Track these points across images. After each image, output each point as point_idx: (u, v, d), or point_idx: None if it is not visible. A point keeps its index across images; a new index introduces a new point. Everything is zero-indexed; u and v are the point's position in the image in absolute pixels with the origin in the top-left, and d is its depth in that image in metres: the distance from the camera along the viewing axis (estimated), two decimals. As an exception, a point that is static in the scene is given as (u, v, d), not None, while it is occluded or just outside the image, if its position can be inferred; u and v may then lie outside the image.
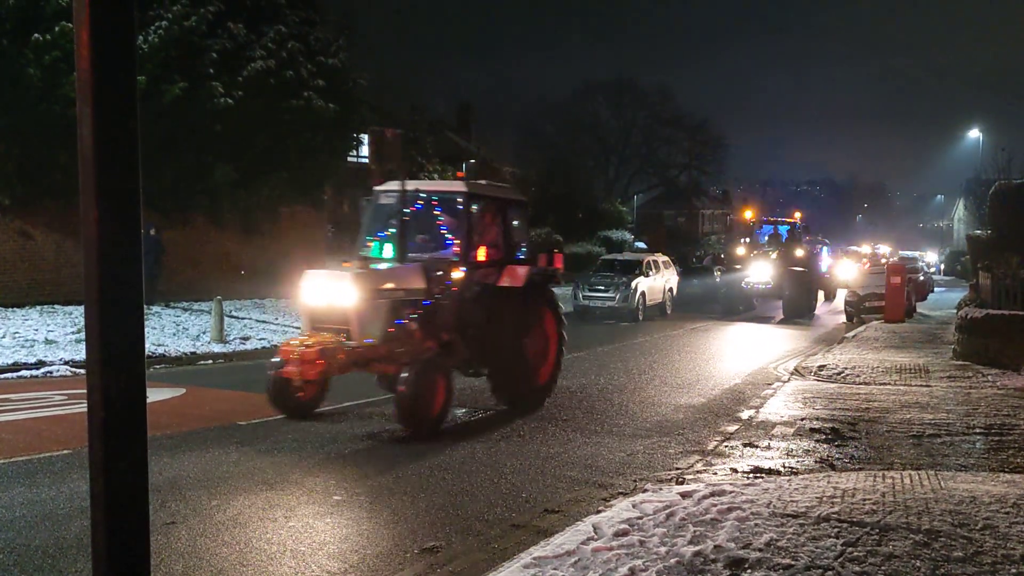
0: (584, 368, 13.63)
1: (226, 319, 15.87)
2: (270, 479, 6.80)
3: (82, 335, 13.87)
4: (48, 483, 6.49)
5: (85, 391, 1.77)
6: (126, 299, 1.76)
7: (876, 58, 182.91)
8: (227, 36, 21.17)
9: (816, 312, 25.89)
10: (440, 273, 9.32)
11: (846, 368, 13.38)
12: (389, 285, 8.92)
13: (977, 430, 8.80)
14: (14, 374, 11.57)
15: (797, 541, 4.71)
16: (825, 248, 35.19)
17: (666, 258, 26.90)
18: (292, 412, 8.99)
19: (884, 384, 12.07)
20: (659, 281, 24.67)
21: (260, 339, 15.58)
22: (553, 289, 10.90)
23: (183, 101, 19.34)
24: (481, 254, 9.90)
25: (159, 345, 14.03)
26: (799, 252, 27.36)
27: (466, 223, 9.68)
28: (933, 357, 14.80)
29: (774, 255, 26.57)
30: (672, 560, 4.49)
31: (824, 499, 5.61)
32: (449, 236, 9.77)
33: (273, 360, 8.73)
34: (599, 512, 5.78)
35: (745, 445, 8.29)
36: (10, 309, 16.71)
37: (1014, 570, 4.25)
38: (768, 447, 8.19)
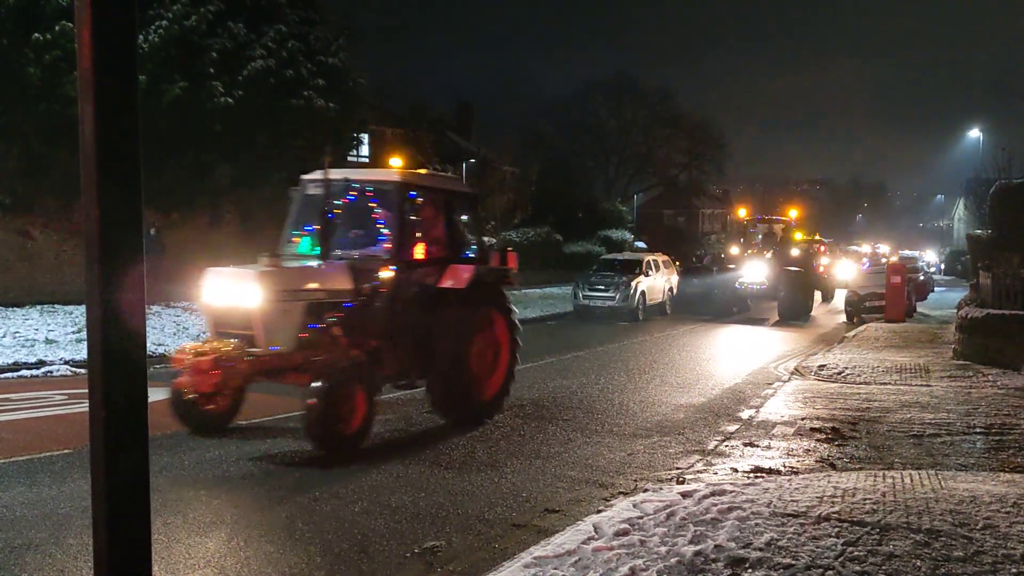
0: (584, 368, 13.64)
1: (226, 319, 15.84)
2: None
3: (82, 334, 13.88)
4: (49, 482, 6.49)
5: (86, 390, 1.77)
6: (127, 298, 1.76)
7: (876, 58, 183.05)
8: (227, 35, 21.18)
9: (812, 314, 25.34)
10: (369, 272, 8.40)
11: (846, 368, 13.38)
12: (307, 285, 7.96)
13: (977, 430, 8.80)
14: (14, 373, 11.57)
15: (797, 541, 4.71)
16: (822, 247, 34.19)
17: (666, 258, 26.84)
18: (197, 427, 8.02)
19: (884, 384, 12.07)
20: (659, 281, 24.64)
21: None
22: (505, 291, 9.88)
23: (183, 100, 19.34)
24: (419, 252, 8.96)
25: (159, 345, 14.03)
26: (795, 251, 26.70)
27: (399, 217, 8.67)
28: (933, 357, 14.79)
29: (769, 255, 25.93)
30: (673, 560, 4.49)
31: (824, 499, 5.61)
32: (384, 231, 8.82)
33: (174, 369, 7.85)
34: (599, 512, 5.78)
35: (745, 445, 8.29)
36: (10, 309, 16.70)
37: (1014, 570, 4.25)
38: (768, 447, 8.19)
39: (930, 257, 75.30)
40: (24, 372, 11.67)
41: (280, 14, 23.10)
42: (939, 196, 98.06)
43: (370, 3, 75.83)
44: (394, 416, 9.33)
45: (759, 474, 7.11)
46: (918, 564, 4.33)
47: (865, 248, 70.76)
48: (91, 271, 1.75)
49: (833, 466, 7.39)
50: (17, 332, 14.22)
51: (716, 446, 8.29)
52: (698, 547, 4.63)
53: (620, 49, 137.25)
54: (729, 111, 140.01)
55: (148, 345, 11.01)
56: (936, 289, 37.80)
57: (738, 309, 25.34)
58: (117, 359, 1.75)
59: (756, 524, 5.02)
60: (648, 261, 24.66)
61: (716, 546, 4.61)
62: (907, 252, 64.27)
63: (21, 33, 17.01)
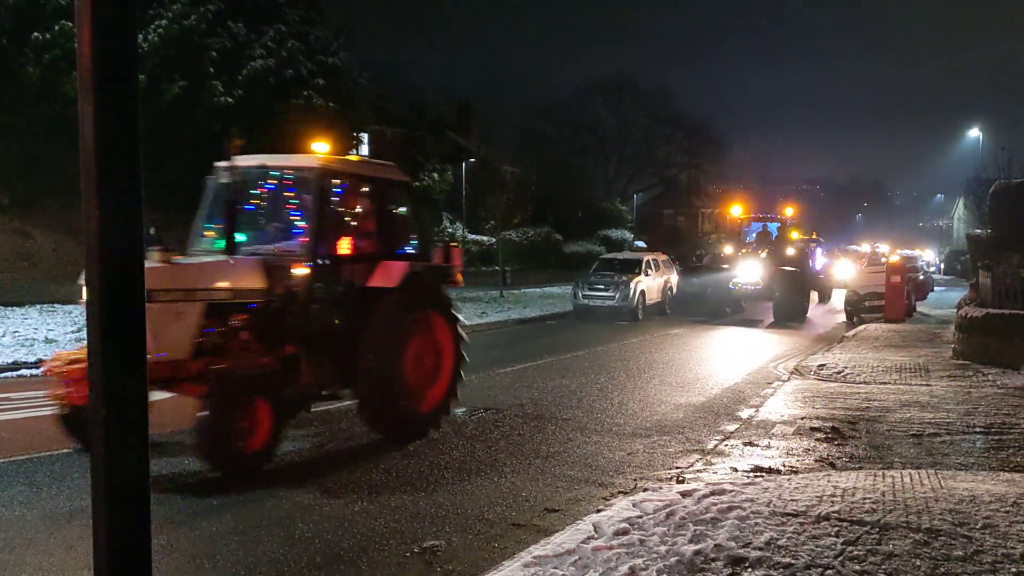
0: (583, 367, 13.64)
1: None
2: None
3: (82, 334, 13.88)
4: (48, 482, 6.49)
5: (86, 390, 1.77)
6: (127, 297, 1.76)
7: (877, 58, 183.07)
8: (227, 35, 21.20)
9: (808, 315, 24.72)
10: (285, 270, 7.54)
11: (846, 367, 13.38)
12: (206, 284, 7.04)
13: (977, 429, 8.80)
14: (14, 373, 11.58)
15: (797, 540, 4.71)
16: (819, 247, 33.21)
17: (666, 257, 26.82)
18: (87, 444, 6.56)
19: (884, 383, 12.07)
20: (659, 280, 24.64)
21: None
22: (448, 291, 8.94)
23: (183, 100, 19.37)
24: (345, 246, 8.05)
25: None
26: (790, 251, 25.87)
27: (319, 207, 7.72)
28: (933, 356, 14.80)
29: (763, 254, 25.20)
30: (672, 559, 4.50)
31: (824, 498, 5.62)
32: (300, 224, 7.94)
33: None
34: (599, 511, 5.79)
35: (745, 444, 8.29)
36: (10, 308, 16.71)
37: (1014, 569, 4.25)
38: (768, 446, 8.20)
39: (930, 256, 75.29)
40: (24, 371, 11.67)
41: (280, 14, 23.13)
42: (939, 196, 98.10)
43: (370, 3, 75.80)
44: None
45: (759, 473, 7.11)
46: (918, 563, 4.33)
47: (864, 248, 70.72)
48: (91, 270, 1.76)
49: (833, 465, 7.40)
50: (17, 331, 14.24)
51: (716, 445, 8.30)
52: (698, 546, 4.63)
53: (620, 49, 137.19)
54: (729, 111, 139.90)
55: (148, 345, 11.00)
56: (936, 289, 37.81)
57: (731, 310, 24.93)
58: (117, 359, 1.75)
59: (756, 523, 5.03)
60: (648, 261, 24.65)
61: (716, 545, 4.62)
62: (906, 251, 64.22)
63: (21, 33, 17.02)
